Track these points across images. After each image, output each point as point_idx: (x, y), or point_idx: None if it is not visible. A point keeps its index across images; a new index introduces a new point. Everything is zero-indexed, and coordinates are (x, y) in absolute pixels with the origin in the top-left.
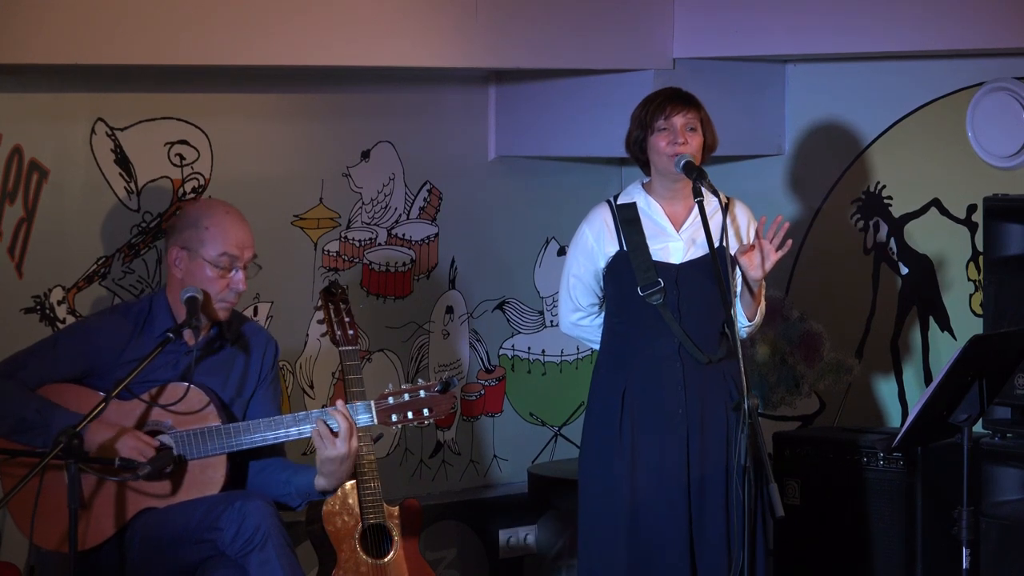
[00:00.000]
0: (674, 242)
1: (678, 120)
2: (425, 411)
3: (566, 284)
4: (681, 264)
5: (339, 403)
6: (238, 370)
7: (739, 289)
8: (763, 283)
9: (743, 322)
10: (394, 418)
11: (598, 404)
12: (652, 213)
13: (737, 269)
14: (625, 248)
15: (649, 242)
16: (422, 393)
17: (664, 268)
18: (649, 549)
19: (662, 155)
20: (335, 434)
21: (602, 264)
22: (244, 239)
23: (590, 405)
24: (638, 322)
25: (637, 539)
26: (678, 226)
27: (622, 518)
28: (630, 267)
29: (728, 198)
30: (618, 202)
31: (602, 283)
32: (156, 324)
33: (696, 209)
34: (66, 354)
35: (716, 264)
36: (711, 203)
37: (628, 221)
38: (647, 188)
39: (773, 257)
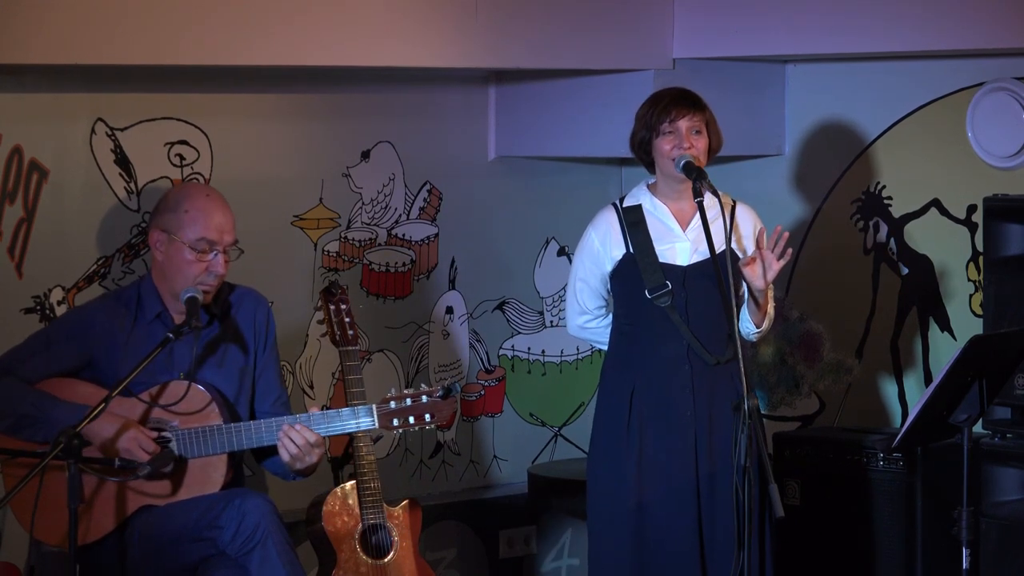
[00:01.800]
0: (681, 243)
1: (683, 124)
2: (427, 416)
3: (572, 288)
4: (688, 266)
5: (298, 425)
6: (232, 342)
7: (746, 296)
8: (769, 292)
9: (751, 329)
10: (395, 422)
11: (606, 405)
12: (658, 214)
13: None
14: (632, 251)
15: (655, 244)
16: (424, 398)
17: (671, 270)
18: (657, 550)
19: (667, 158)
20: (312, 447)
21: (608, 268)
22: (223, 224)
23: (598, 406)
24: (646, 324)
25: (645, 539)
26: (684, 226)
27: (630, 518)
28: (637, 269)
29: (733, 200)
30: (623, 205)
31: (609, 286)
32: (146, 309)
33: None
34: (64, 346)
35: (717, 269)
36: (713, 207)
37: (634, 224)
38: (652, 189)
39: (775, 267)
